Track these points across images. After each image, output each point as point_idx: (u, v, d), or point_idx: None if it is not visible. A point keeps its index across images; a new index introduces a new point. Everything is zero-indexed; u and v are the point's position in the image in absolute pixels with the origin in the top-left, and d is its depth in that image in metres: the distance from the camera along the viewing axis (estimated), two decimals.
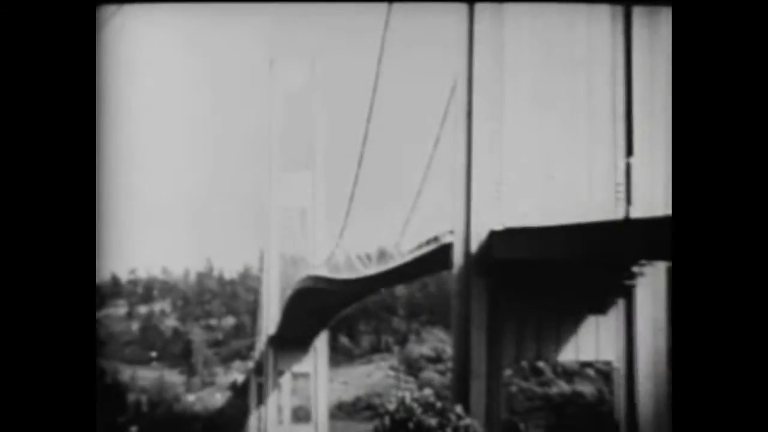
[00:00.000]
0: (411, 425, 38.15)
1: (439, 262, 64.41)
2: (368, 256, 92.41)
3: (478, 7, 56.53)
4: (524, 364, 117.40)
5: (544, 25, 56.81)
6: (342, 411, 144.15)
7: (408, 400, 38.74)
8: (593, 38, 57.11)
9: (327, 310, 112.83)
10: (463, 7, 56.73)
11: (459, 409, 39.21)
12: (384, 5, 74.64)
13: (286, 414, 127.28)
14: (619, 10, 56.71)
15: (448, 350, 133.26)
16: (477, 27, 56.63)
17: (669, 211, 49.07)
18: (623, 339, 57.39)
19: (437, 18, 61.36)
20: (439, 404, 39.36)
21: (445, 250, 59.15)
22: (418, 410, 38.48)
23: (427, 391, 39.59)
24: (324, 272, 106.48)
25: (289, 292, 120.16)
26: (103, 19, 32.00)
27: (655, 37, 56.31)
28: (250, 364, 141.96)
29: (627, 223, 53.59)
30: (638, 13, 56.55)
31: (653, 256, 53.46)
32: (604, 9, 56.75)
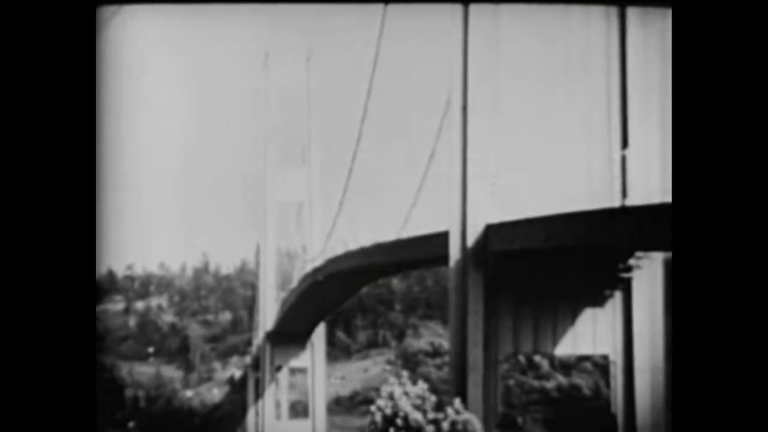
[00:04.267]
0: (399, 420, 38.16)
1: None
2: (364, 250, 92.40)
3: (474, 7, 56.67)
4: (521, 357, 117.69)
5: (540, 24, 56.94)
6: (339, 406, 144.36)
7: (397, 395, 38.73)
8: (588, 36, 57.24)
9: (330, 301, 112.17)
10: (458, 8, 56.86)
11: (458, 403, 39.23)
12: (380, 5, 74.71)
13: (284, 409, 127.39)
14: (613, 9, 56.86)
15: (445, 344, 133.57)
16: (472, 26, 56.75)
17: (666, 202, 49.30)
18: (620, 332, 57.53)
19: (433, 18, 61.54)
20: (433, 398, 39.39)
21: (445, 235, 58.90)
22: (406, 405, 38.48)
23: (421, 385, 39.59)
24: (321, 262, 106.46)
25: (288, 293, 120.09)
26: (103, 20, 32.08)
27: (649, 34, 56.44)
28: (248, 360, 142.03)
29: (623, 212, 53.67)
30: (632, 11, 56.70)
31: (650, 246, 53.57)
32: (599, 8, 56.89)
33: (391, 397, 38.61)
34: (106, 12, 34.31)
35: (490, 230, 55.94)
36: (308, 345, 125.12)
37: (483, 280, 56.37)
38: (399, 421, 38.02)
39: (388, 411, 38.36)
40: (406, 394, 38.70)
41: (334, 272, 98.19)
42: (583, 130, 57.36)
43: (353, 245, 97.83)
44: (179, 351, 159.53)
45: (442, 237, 58.83)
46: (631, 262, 56.64)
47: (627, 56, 57.00)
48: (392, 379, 39.72)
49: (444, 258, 57.71)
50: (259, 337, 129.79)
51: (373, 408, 39.00)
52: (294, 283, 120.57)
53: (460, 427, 38.09)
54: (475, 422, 38.64)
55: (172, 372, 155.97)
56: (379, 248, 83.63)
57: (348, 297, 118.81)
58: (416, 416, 38.00)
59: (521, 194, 56.54)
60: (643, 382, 56.75)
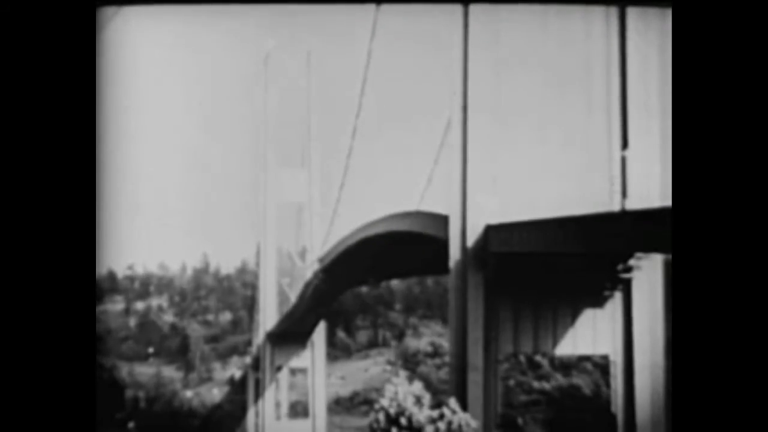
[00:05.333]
0: (403, 420, 38.23)
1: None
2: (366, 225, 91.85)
3: (474, 7, 56.70)
4: (521, 357, 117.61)
5: (539, 24, 56.95)
6: (340, 406, 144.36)
7: (401, 395, 38.80)
8: (588, 36, 57.26)
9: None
10: (458, 8, 56.88)
11: (453, 403, 39.25)
12: (381, 6, 74.74)
13: (284, 409, 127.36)
14: (613, 9, 56.89)
15: (445, 345, 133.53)
16: (472, 26, 56.77)
17: (665, 203, 49.33)
18: (620, 332, 57.53)
19: (433, 18, 61.55)
20: (427, 397, 39.45)
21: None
22: (410, 404, 38.53)
23: (417, 385, 39.63)
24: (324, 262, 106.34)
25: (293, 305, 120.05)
26: (102, 21, 32.11)
27: (649, 34, 56.46)
28: (248, 360, 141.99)
29: (623, 215, 53.70)
30: (632, 11, 56.74)
31: (650, 248, 53.60)
32: (599, 8, 56.92)
33: (394, 396, 38.69)
34: (106, 12, 34.35)
35: (490, 231, 55.93)
36: (308, 345, 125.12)
37: (483, 280, 56.36)
38: (403, 421, 38.11)
39: (392, 410, 38.45)
40: (409, 394, 38.81)
41: (335, 259, 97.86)
42: (582, 129, 57.35)
43: None
44: (179, 351, 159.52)
45: (444, 219, 58.56)
46: (631, 262, 56.62)
47: (627, 56, 57.01)
48: (395, 379, 39.79)
49: (444, 249, 57.66)
50: (259, 338, 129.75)
51: (376, 406, 39.09)
52: (292, 298, 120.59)
53: (455, 426, 38.15)
54: (471, 421, 38.69)
55: (172, 372, 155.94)
56: (382, 221, 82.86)
57: (347, 288, 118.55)
58: (419, 416, 38.12)
59: (521, 194, 56.53)
60: (643, 381, 56.75)
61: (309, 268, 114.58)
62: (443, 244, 57.85)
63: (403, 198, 79.01)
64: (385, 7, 75.97)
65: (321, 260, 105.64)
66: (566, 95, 57.28)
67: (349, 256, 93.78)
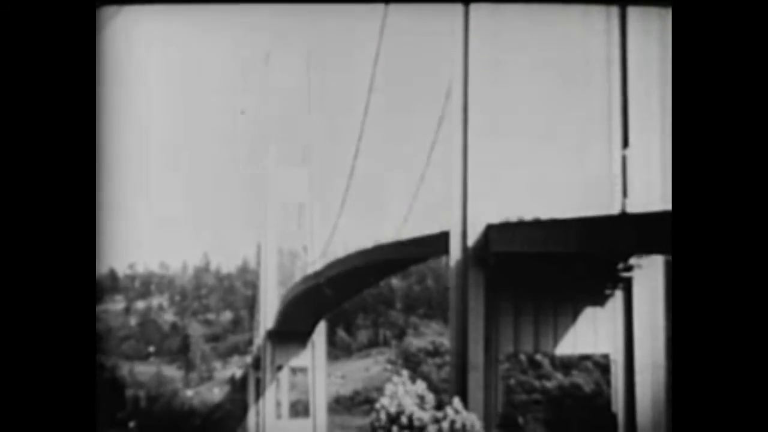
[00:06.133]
0: (404, 419, 38.20)
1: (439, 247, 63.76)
2: (364, 251, 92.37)
3: (474, 7, 56.73)
4: (522, 356, 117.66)
5: (540, 24, 56.99)
6: (340, 405, 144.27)
7: (401, 394, 38.76)
8: (588, 35, 57.28)
9: (325, 305, 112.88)
10: (458, 7, 56.91)
11: (457, 402, 39.22)
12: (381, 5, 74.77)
13: (285, 408, 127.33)
14: (614, 9, 56.91)
15: (446, 344, 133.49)
16: (473, 26, 56.82)
17: (665, 203, 49.38)
18: (621, 331, 57.54)
19: (434, 17, 61.56)
20: (430, 396, 39.43)
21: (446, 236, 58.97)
22: (410, 403, 38.51)
23: (420, 385, 39.60)
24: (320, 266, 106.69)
25: (287, 290, 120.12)
26: (103, 20, 32.12)
27: (649, 34, 56.47)
28: (248, 359, 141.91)
29: (623, 216, 53.74)
30: (633, 11, 56.77)
31: (649, 249, 53.65)
32: (599, 8, 56.94)
33: (394, 396, 38.65)
34: (106, 12, 34.35)
35: (491, 230, 55.95)
36: (309, 344, 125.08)
37: (484, 279, 56.40)
38: (403, 420, 38.08)
39: (392, 410, 38.42)
40: (408, 394, 38.76)
41: (335, 275, 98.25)
42: (583, 129, 57.37)
43: (354, 246, 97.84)
44: (180, 350, 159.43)
45: (443, 236, 58.88)
46: (632, 261, 56.66)
47: (627, 56, 57.01)
48: (395, 378, 39.75)
49: (444, 251, 57.78)
50: (259, 337, 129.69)
51: (377, 406, 39.04)
52: (294, 281, 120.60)
53: (459, 426, 38.12)
54: (475, 421, 38.67)
55: (172, 371, 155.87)
56: (379, 248, 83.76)
57: (348, 298, 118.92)
58: (420, 415, 38.08)
59: (522, 194, 56.57)
60: (644, 380, 56.77)
61: (310, 266, 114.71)
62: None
63: (405, 195, 79.09)
64: (383, 7, 75.99)
65: (323, 272, 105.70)
66: (567, 95, 57.29)
67: (353, 271, 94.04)
